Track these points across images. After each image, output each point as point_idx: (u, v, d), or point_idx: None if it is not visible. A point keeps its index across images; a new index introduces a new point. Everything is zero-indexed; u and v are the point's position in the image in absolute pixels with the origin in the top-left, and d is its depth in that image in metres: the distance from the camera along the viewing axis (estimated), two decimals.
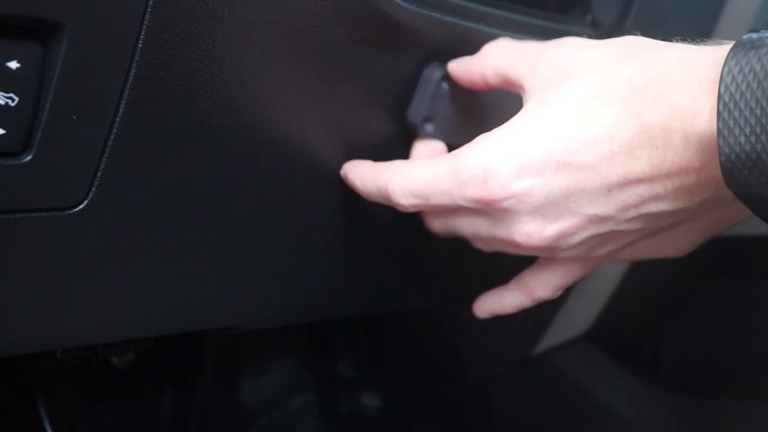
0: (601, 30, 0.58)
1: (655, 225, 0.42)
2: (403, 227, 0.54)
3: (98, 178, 0.40)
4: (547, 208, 0.41)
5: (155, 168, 0.42)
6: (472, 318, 0.53)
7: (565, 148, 0.40)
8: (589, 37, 0.57)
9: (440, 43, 0.49)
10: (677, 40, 0.41)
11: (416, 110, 0.49)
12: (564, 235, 0.42)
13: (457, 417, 0.89)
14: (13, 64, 0.36)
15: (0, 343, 0.42)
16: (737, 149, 0.34)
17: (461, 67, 0.48)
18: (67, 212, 0.40)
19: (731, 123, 0.35)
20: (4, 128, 0.36)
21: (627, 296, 0.78)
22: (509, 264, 0.49)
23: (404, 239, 0.55)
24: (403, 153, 0.52)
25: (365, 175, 0.48)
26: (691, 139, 0.37)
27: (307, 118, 0.46)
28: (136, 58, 0.38)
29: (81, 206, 0.40)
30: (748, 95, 0.34)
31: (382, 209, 0.50)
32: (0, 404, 0.73)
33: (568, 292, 0.78)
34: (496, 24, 0.51)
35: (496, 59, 0.45)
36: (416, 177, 0.45)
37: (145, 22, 0.38)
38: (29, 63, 0.36)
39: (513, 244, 0.43)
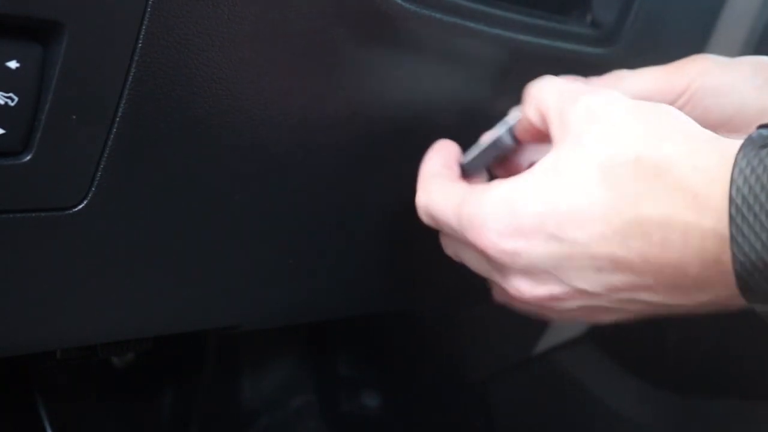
0: (601, 30, 0.58)
1: (653, 310, 0.40)
2: (404, 228, 0.54)
3: (98, 178, 0.40)
4: (535, 271, 0.41)
5: (155, 168, 0.42)
6: (472, 318, 0.53)
7: (558, 221, 0.39)
8: (589, 36, 0.57)
9: (440, 43, 0.49)
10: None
11: (467, 155, 0.50)
12: (554, 299, 0.41)
13: (457, 417, 0.89)
14: (13, 64, 0.36)
15: (0, 343, 0.42)
16: (753, 257, 0.33)
17: (520, 121, 0.47)
18: (67, 212, 0.40)
19: (745, 228, 0.33)
20: (4, 128, 0.36)
21: None
22: None
23: (405, 240, 0.55)
24: (402, 152, 0.52)
25: (421, 167, 0.49)
26: (691, 239, 0.35)
27: (307, 118, 0.46)
28: (136, 58, 0.38)
29: (81, 206, 0.40)
30: (763, 198, 0.32)
31: (382, 210, 0.50)
32: (0, 404, 0.73)
33: None
34: (496, 24, 0.51)
35: (534, 99, 0.45)
36: (433, 200, 0.46)
37: (145, 22, 0.38)
38: (29, 63, 0.36)
39: (508, 293, 0.44)
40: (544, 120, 0.44)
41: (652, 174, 0.37)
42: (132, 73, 0.38)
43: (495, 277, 0.44)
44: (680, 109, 0.40)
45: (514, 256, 0.41)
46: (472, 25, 0.50)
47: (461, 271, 0.50)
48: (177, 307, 0.48)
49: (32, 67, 0.36)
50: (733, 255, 0.33)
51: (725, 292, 0.35)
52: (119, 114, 0.39)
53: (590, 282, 0.40)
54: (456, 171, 0.49)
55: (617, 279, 0.39)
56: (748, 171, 0.33)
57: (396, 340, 0.91)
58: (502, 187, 0.42)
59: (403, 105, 0.50)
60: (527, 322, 0.81)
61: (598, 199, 0.38)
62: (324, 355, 0.91)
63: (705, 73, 0.47)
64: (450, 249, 0.49)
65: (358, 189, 0.52)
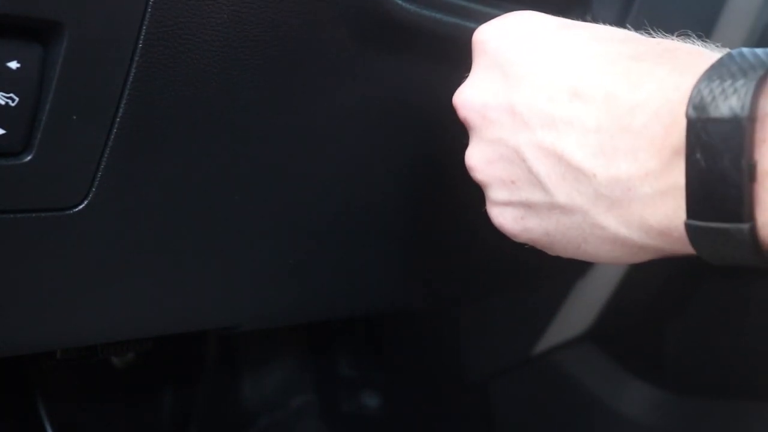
0: None
1: (554, 183, 0.39)
2: (404, 228, 0.54)
3: (98, 178, 0.40)
4: (494, 71, 0.41)
5: (155, 168, 0.42)
6: (472, 318, 0.53)
7: (553, 33, 0.41)
8: None
9: (440, 43, 0.49)
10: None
11: None
12: (486, 107, 0.41)
13: (457, 417, 0.89)
14: (14, 64, 0.36)
15: (0, 343, 0.42)
16: (709, 92, 0.33)
17: None
18: (67, 212, 0.40)
19: (715, 73, 0.34)
20: (4, 128, 0.36)
21: (627, 296, 0.78)
22: (509, 265, 0.49)
23: (405, 240, 0.55)
24: (402, 152, 0.52)
25: None
26: (662, 88, 0.35)
27: (307, 118, 0.46)
28: (136, 58, 0.38)
29: (81, 206, 0.40)
30: (750, 56, 0.34)
31: (382, 210, 0.50)
32: (0, 404, 0.73)
33: (568, 292, 0.78)
34: None
35: None
36: None
37: (145, 23, 0.38)
38: (29, 63, 0.36)
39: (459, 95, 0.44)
40: None
41: (659, 41, 0.39)
42: (132, 74, 0.38)
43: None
44: None
45: (494, 46, 0.42)
46: (472, 25, 0.50)
47: (461, 271, 0.50)
48: (177, 307, 0.48)
49: (33, 68, 0.36)
50: (696, 84, 0.34)
51: (651, 163, 0.35)
52: (119, 114, 0.39)
53: (533, 106, 0.39)
54: None
55: (563, 111, 0.38)
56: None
57: (396, 340, 0.91)
58: None
59: (403, 105, 0.50)
60: (527, 321, 0.82)
61: (600, 38, 0.39)
62: (324, 355, 0.92)
63: None
64: None
65: (359, 189, 0.52)
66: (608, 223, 0.38)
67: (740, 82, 0.33)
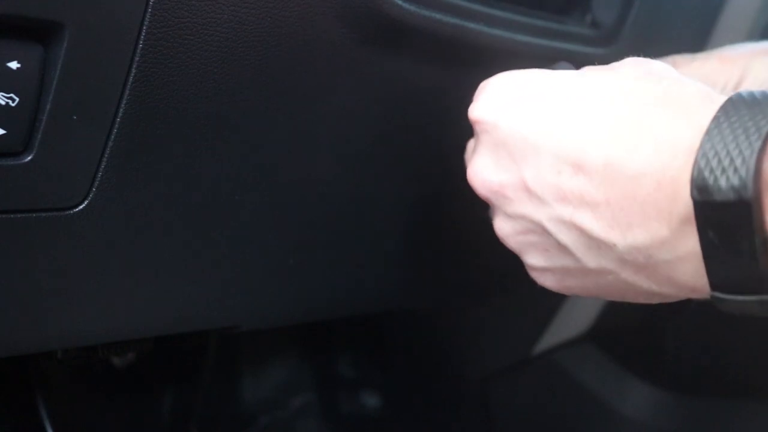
0: (601, 30, 0.58)
1: (581, 252, 0.39)
2: (404, 228, 0.54)
3: (98, 178, 0.40)
4: (500, 151, 0.41)
5: (155, 168, 0.42)
6: (473, 318, 0.53)
7: (545, 106, 0.40)
8: (589, 36, 0.57)
9: (440, 43, 0.49)
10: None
11: None
12: (501, 192, 0.41)
13: (457, 417, 0.89)
14: (14, 65, 0.36)
15: (0, 343, 0.42)
16: (717, 153, 0.33)
17: None
18: (68, 212, 0.40)
19: (721, 129, 0.33)
20: (4, 128, 0.36)
21: None
22: (509, 265, 0.49)
23: (404, 240, 0.55)
24: (402, 152, 0.52)
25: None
26: (661, 151, 0.35)
27: (307, 118, 0.46)
28: (136, 58, 0.38)
29: (81, 206, 0.40)
30: (744, 110, 0.33)
31: (382, 210, 0.49)
32: (0, 404, 0.73)
33: None
34: (496, 24, 0.51)
35: None
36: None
37: (145, 23, 0.38)
38: (30, 63, 0.36)
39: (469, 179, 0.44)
40: None
41: (650, 90, 0.38)
42: (132, 74, 0.38)
43: (471, 156, 0.45)
44: None
45: (491, 125, 0.41)
46: (472, 25, 0.50)
47: (461, 271, 0.50)
48: (177, 307, 0.48)
49: (33, 68, 0.36)
50: (695, 161, 0.33)
51: (663, 232, 0.35)
52: (120, 114, 0.39)
53: (543, 182, 0.39)
54: None
55: (571, 185, 0.38)
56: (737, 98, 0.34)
57: (396, 340, 0.91)
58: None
59: (403, 105, 0.50)
60: (527, 321, 0.82)
61: (593, 98, 0.39)
62: (324, 355, 0.92)
63: (759, 62, 0.48)
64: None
65: (358, 189, 0.52)
66: (641, 283, 0.38)
67: (739, 159, 0.32)
